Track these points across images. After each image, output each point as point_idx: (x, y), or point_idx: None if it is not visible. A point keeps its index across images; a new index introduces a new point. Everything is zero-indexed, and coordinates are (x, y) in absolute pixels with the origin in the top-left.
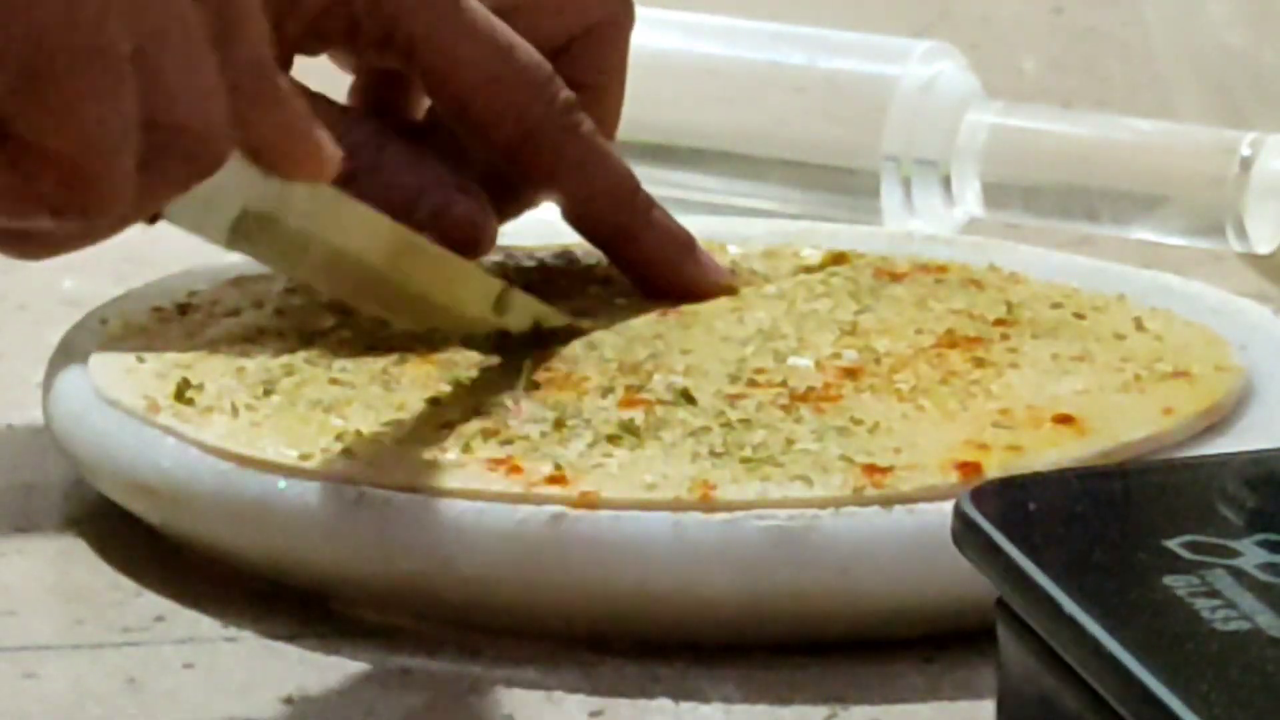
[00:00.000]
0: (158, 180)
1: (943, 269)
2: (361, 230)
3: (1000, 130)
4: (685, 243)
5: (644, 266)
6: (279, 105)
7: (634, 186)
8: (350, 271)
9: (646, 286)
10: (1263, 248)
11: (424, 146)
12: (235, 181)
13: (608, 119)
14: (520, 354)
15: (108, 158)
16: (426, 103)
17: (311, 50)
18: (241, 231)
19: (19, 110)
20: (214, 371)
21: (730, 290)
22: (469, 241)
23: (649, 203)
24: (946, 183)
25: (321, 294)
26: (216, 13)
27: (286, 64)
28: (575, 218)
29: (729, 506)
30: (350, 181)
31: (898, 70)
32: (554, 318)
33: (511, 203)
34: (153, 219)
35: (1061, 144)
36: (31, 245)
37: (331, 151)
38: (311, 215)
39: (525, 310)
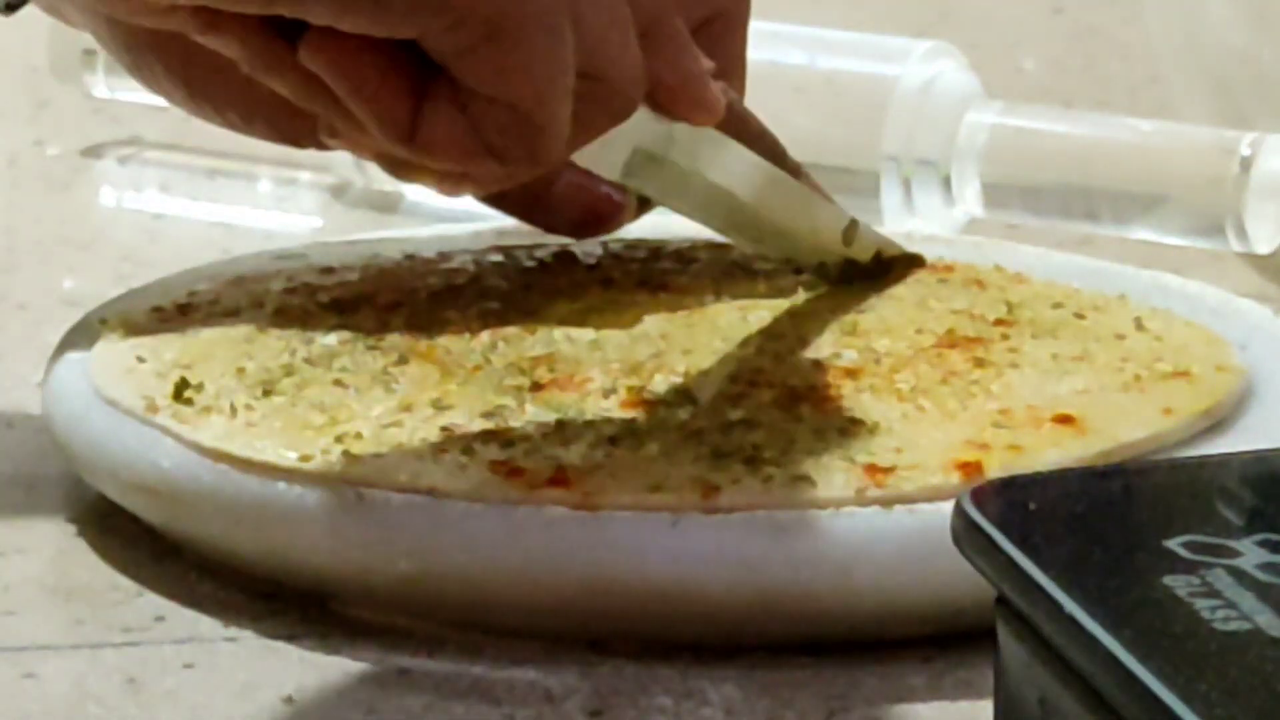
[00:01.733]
0: (582, 127)
1: (948, 269)
2: (735, 168)
3: (1000, 130)
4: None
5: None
6: (679, 54)
7: (783, 150)
8: (724, 205)
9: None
10: (1263, 248)
11: None
12: (630, 123)
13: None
14: (863, 282)
15: (553, 109)
16: None
17: None
18: (632, 168)
19: (476, 66)
20: (214, 371)
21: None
22: (605, 217)
23: (799, 166)
24: (946, 183)
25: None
26: None
27: None
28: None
29: (732, 508)
30: None
31: (898, 70)
32: (893, 247)
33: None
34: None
35: (1061, 144)
36: (462, 184)
37: (720, 97)
38: (693, 154)
39: (869, 241)
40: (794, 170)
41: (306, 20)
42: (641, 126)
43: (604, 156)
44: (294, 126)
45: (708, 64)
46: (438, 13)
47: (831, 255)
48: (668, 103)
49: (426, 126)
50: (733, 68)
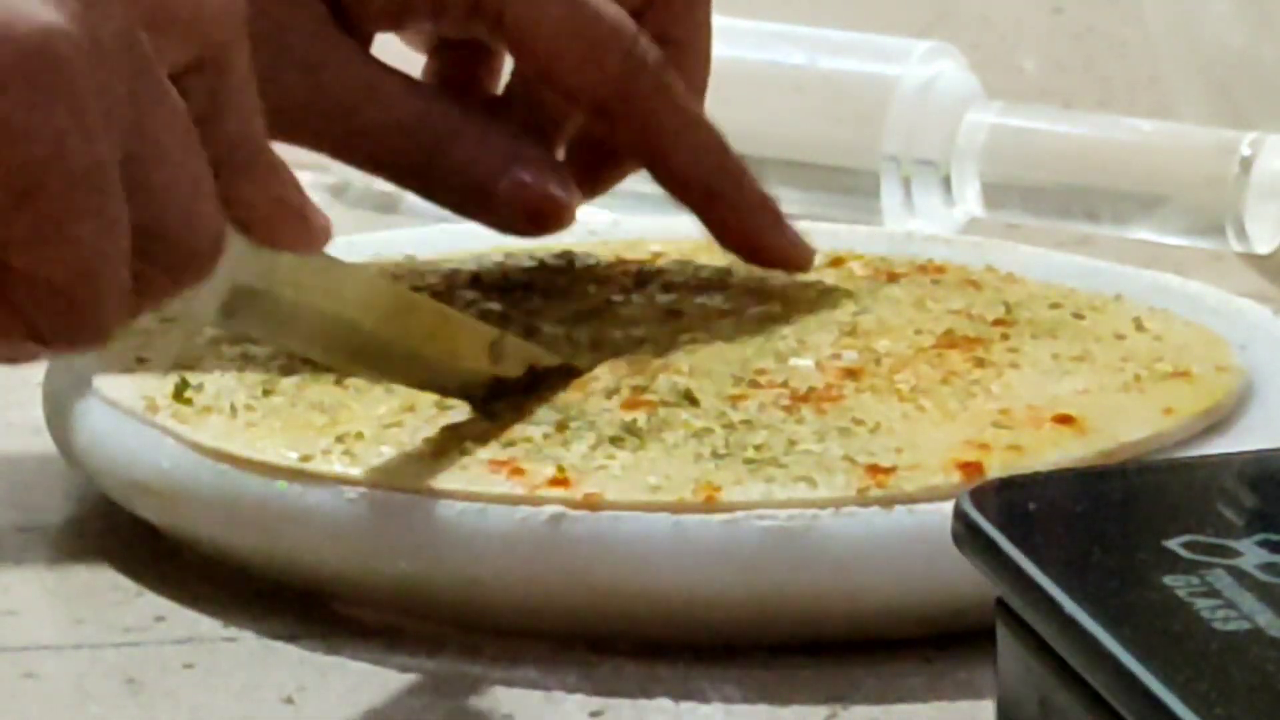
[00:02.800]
0: (149, 292)
1: (941, 269)
2: (354, 294)
3: (1000, 130)
4: (775, 211)
5: (734, 230)
6: (270, 178)
7: (726, 148)
8: (344, 338)
9: (734, 249)
10: (1263, 248)
11: (503, 121)
12: (225, 259)
13: (695, 78)
14: (515, 400)
15: (101, 282)
16: (503, 78)
17: (396, 25)
18: (230, 309)
19: (8, 236)
20: (214, 371)
21: (810, 262)
22: (550, 216)
23: (740, 166)
24: (946, 183)
25: (315, 362)
26: (209, 89)
27: (367, 41)
28: (666, 179)
29: (733, 508)
30: (428, 160)
31: (898, 70)
32: (547, 358)
33: (599, 176)
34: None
35: (1061, 144)
36: (13, 359)
37: (323, 221)
38: (302, 284)
39: (519, 355)
40: (737, 171)
41: None
42: (237, 261)
43: (195, 302)
44: None
45: (653, 55)
46: None
47: (476, 375)
48: (260, 232)
49: None
50: (689, 46)
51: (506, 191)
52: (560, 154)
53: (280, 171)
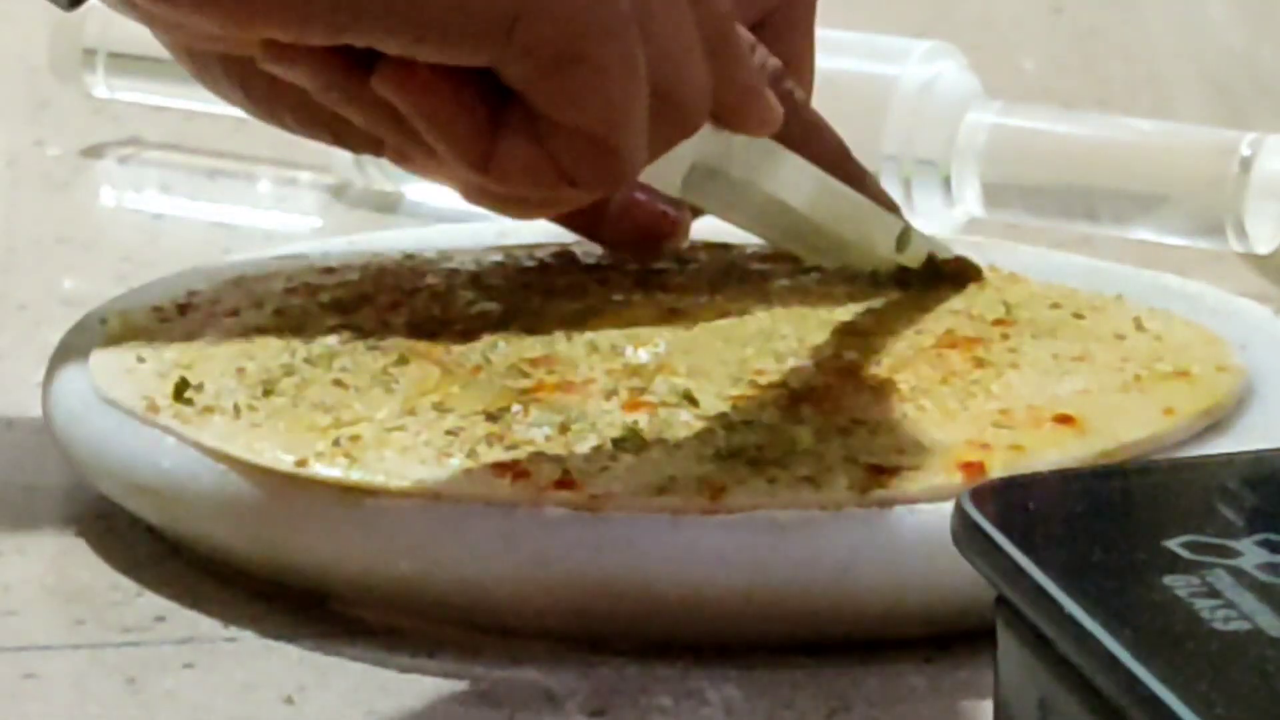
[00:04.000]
0: (652, 145)
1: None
2: (790, 178)
3: (1000, 130)
4: (895, 207)
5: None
6: (738, 64)
7: (847, 153)
8: (780, 217)
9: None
10: (1263, 248)
11: None
12: (691, 138)
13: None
14: (918, 286)
15: (630, 132)
16: None
17: None
18: (690, 183)
19: (550, 93)
20: (214, 372)
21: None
22: (660, 234)
23: (861, 171)
24: (946, 183)
25: (752, 235)
26: None
27: None
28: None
29: (739, 509)
30: None
31: (898, 70)
32: (945, 252)
33: None
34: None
35: (1061, 144)
36: (534, 209)
37: (777, 109)
38: (750, 166)
39: (921, 246)
40: (858, 175)
41: (378, 50)
42: (700, 140)
43: (664, 173)
44: (356, 138)
45: (773, 63)
46: (509, 40)
47: (885, 263)
48: (726, 116)
49: (502, 155)
50: (799, 62)
51: (619, 207)
52: None
53: (746, 59)
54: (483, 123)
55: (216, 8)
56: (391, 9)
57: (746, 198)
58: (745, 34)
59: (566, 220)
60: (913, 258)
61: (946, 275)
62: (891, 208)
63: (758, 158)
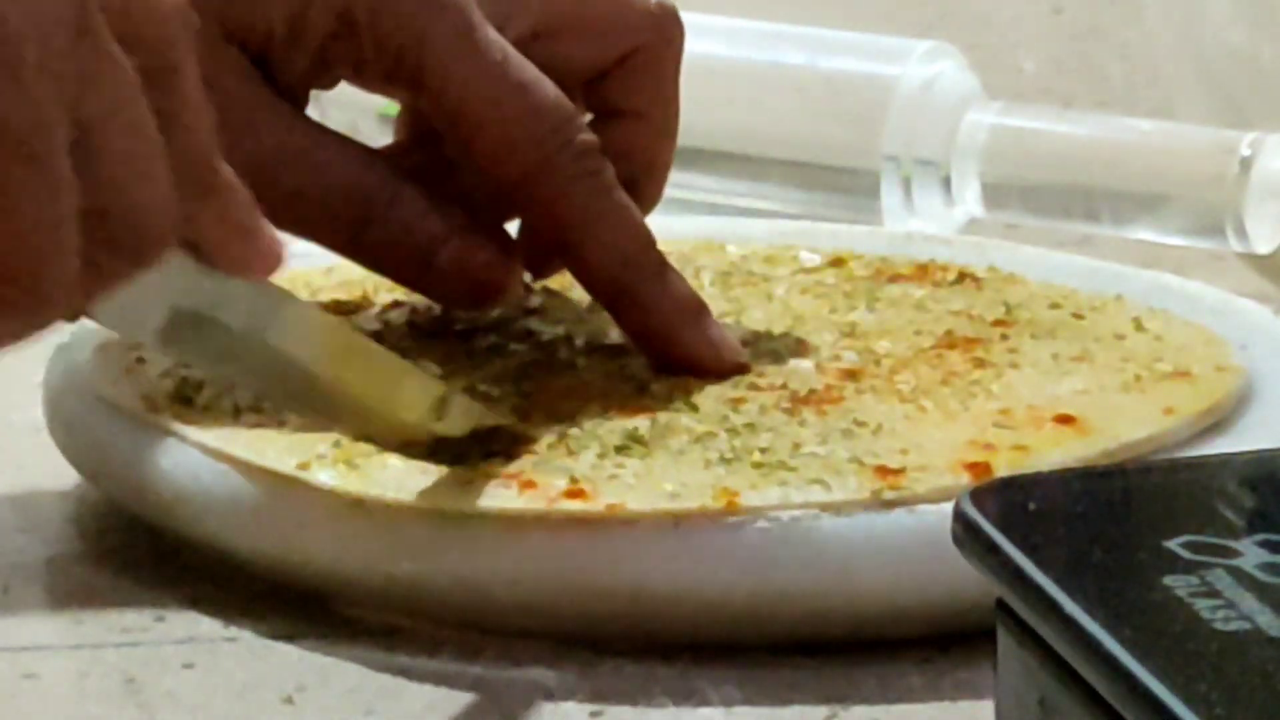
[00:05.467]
0: (94, 274)
1: (943, 269)
2: (303, 329)
3: (1000, 130)
4: (695, 311)
5: (647, 336)
6: (223, 196)
7: (645, 244)
8: (286, 375)
9: (652, 357)
10: (1263, 248)
11: (448, 188)
12: (166, 279)
13: (655, 149)
14: (458, 456)
15: (45, 260)
16: None
17: (323, 83)
18: (172, 333)
19: None
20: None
21: (741, 370)
22: (490, 290)
23: (661, 264)
24: (946, 183)
25: (255, 398)
26: (158, 100)
27: (302, 99)
28: (580, 272)
29: (754, 513)
30: (366, 227)
31: (898, 70)
32: (490, 418)
33: (546, 257)
34: (74, 316)
35: (1061, 144)
36: None
37: (277, 246)
38: (248, 314)
39: (465, 414)
40: (655, 270)
41: None
42: (180, 282)
43: (134, 316)
44: None
45: (583, 140)
46: None
47: (417, 432)
48: (216, 255)
49: None
50: (656, 109)
51: (446, 262)
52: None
53: (234, 190)
54: None
55: None
56: None
57: (244, 351)
58: (561, 100)
59: (395, 274)
60: (452, 427)
61: (494, 443)
62: (694, 309)
63: (258, 304)
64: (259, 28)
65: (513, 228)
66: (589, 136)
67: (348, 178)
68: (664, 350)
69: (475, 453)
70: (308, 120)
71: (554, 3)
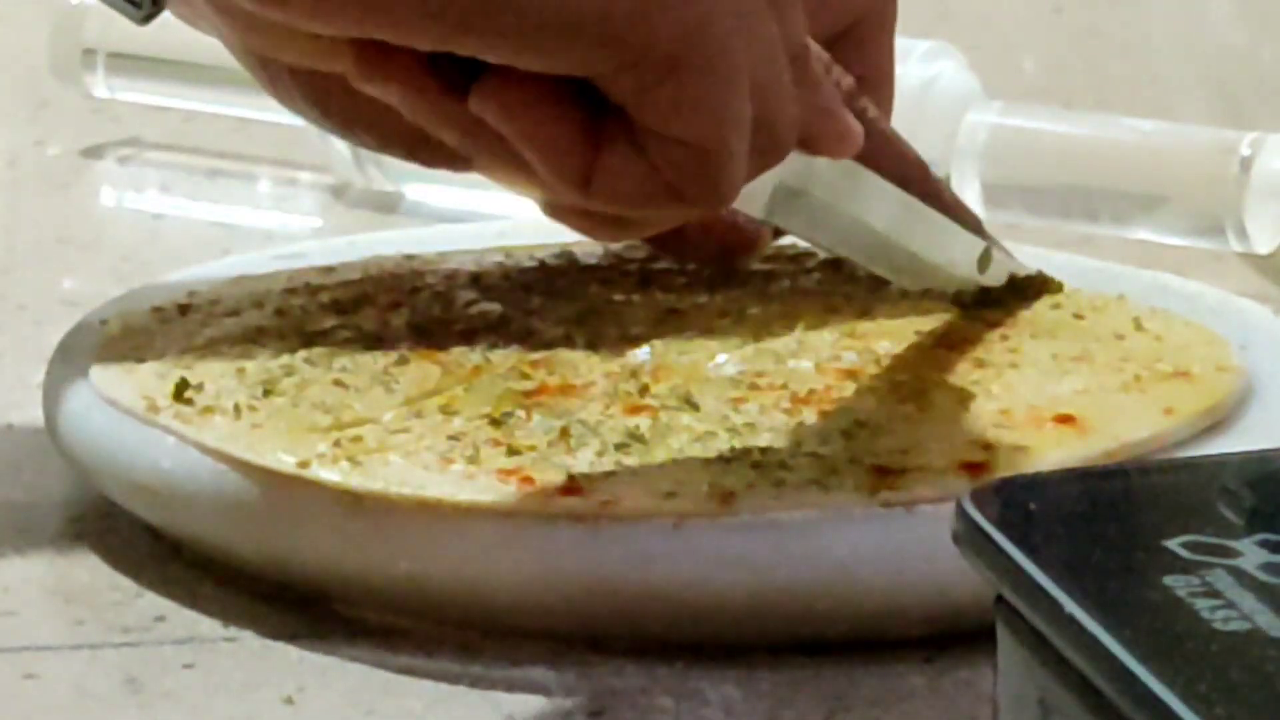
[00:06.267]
0: (750, 166)
1: None
2: (872, 199)
3: (1000, 130)
4: (978, 223)
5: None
6: (818, 88)
7: (926, 169)
8: (862, 237)
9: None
10: (1263, 248)
11: None
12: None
13: (883, 110)
14: (997, 308)
15: (735, 145)
16: None
17: None
18: (774, 205)
19: (656, 105)
20: (214, 372)
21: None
22: (743, 244)
23: (940, 186)
24: (946, 183)
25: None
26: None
27: None
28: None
29: (749, 512)
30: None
31: (898, 70)
32: (1024, 270)
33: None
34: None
35: (1061, 144)
36: (630, 228)
37: (857, 129)
38: (832, 187)
39: (1002, 267)
40: (936, 191)
41: (481, 59)
42: (784, 162)
43: (750, 196)
44: (437, 155)
45: (847, 82)
46: (618, 49)
47: (967, 284)
48: (809, 138)
49: (604, 172)
50: (878, 77)
51: (698, 225)
52: None
53: (824, 82)
54: (584, 141)
55: (334, 9)
56: (497, 14)
57: (829, 219)
58: (820, 52)
59: (649, 236)
60: (994, 278)
61: (1028, 292)
62: (973, 224)
63: (839, 179)
64: None
65: None
66: (851, 79)
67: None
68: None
69: (1011, 299)
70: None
71: None
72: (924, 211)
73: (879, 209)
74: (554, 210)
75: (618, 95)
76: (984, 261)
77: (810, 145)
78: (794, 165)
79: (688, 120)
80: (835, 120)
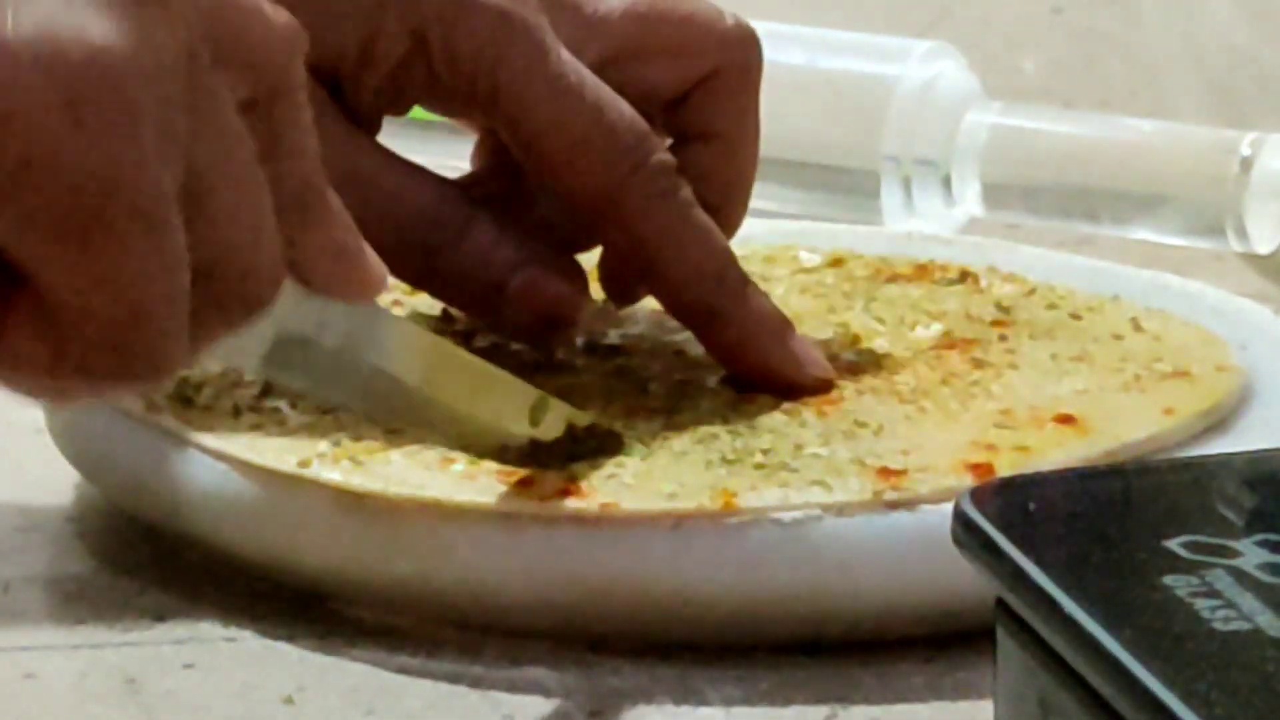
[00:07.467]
0: (204, 330)
1: (943, 269)
2: (400, 346)
3: (1000, 130)
4: (779, 327)
5: (732, 352)
6: (328, 224)
7: (727, 261)
8: (388, 391)
9: (736, 374)
10: (1263, 248)
11: (525, 218)
12: (272, 308)
13: (736, 170)
14: (554, 461)
15: (157, 323)
16: None
17: (396, 108)
18: (276, 358)
19: (56, 269)
20: (214, 371)
21: (828, 386)
22: (558, 320)
23: (743, 281)
24: (946, 183)
25: (359, 417)
26: (269, 125)
27: (374, 125)
28: (661, 292)
29: (753, 514)
30: (437, 255)
31: (898, 70)
32: (584, 418)
33: (628, 282)
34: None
35: (1061, 144)
36: (57, 398)
37: (380, 270)
38: (349, 334)
39: (558, 416)
40: (735, 288)
41: None
42: (284, 307)
43: (240, 347)
44: None
45: (658, 159)
46: (11, 200)
47: (515, 438)
48: (316, 281)
49: (6, 344)
50: (735, 135)
51: (516, 292)
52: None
53: (339, 216)
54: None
55: None
56: None
57: (347, 372)
58: (628, 120)
59: (463, 302)
60: (547, 430)
61: (588, 444)
62: (778, 326)
63: (358, 325)
64: (330, 51)
65: (590, 260)
66: (665, 156)
67: (419, 205)
68: (750, 366)
69: (566, 453)
70: (379, 146)
71: (631, 26)
72: (465, 360)
73: (406, 359)
74: None
75: (15, 259)
76: (536, 414)
77: (319, 288)
78: (298, 310)
79: (95, 291)
80: (350, 263)
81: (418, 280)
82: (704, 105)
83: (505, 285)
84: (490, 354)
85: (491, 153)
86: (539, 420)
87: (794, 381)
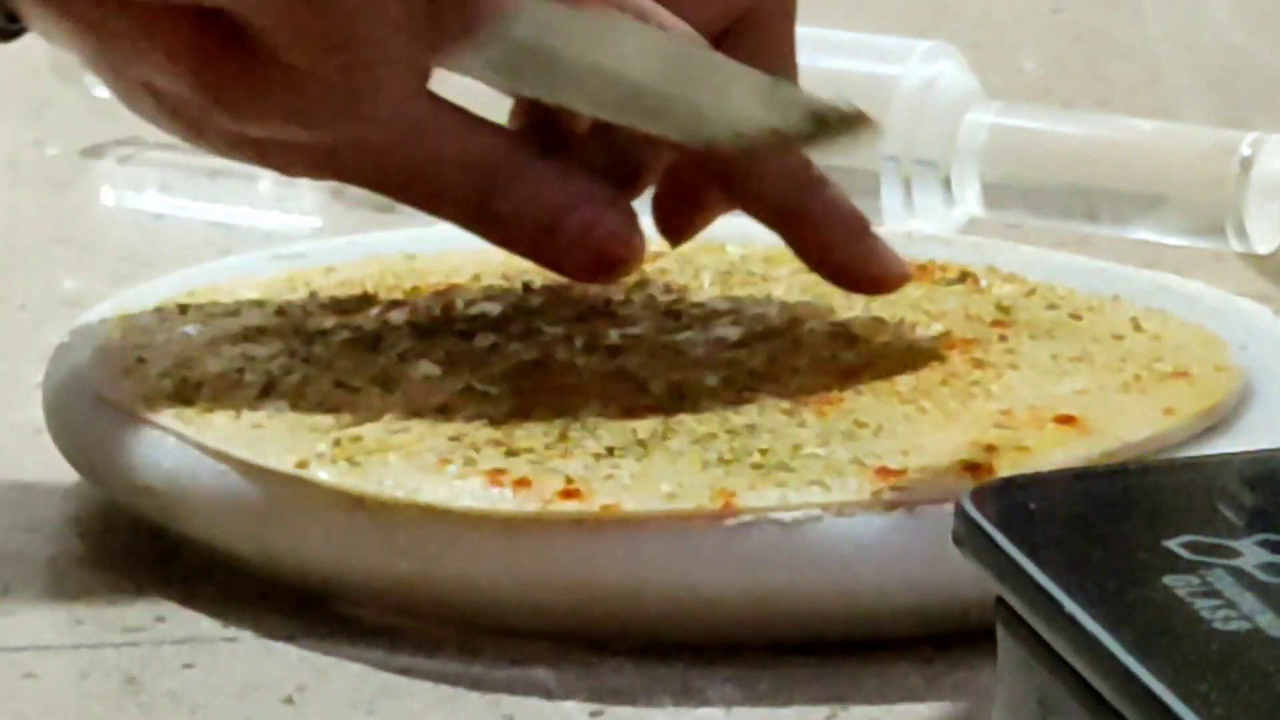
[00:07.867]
0: (445, 35)
1: (943, 269)
2: (634, 47)
3: (1000, 130)
4: (860, 225)
5: (816, 248)
6: None
7: (806, 162)
8: (615, 90)
9: (821, 269)
10: (1263, 248)
11: (571, 159)
12: (503, 15)
13: None
14: (795, 144)
15: (378, 70)
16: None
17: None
18: (505, 63)
19: (295, 34)
20: (214, 372)
21: (905, 279)
22: (615, 258)
23: (822, 180)
24: (946, 183)
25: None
26: None
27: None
28: (744, 200)
29: (752, 514)
30: (491, 198)
31: (898, 70)
32: (830, 110)
33: (684, 223)
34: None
35: (1061, 144)
36: (297, 157)
37: None
38: (582, 39)
39: (799, 105)
40: (817, 185)
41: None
42: (515, 14)
43: (472, 57)
44: (265, 158)
45: None
46: None
47: (752, 125)
48: None
49: (250, 88)
50: (775, 66)
51: (570, 232)
52: (643, 199)
53: None
54: (235, 65)
55: None
56: None
57: (574, 74)
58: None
59: (518, 248)
60: (788, 118)
61: (833, 131)
62: (858, 223)
63: (592, 29)
64: None
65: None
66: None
67: (469, 149)
68: (836, 264)
69: (807, 136)
70: (432, 94)
71: None
72: (697, 55)
73: (637, 58)
74: (231, 147)
75: (248, 23)
76: (771, 99)
77: None
78: (530, 16)
79: (306, 50)
80: None
81: (473, 223)
82: (744, 39)
83: (559, 226)
84: (490, 354)
85: (527, 114)
86: (778, 107)
87: (875, 271)
